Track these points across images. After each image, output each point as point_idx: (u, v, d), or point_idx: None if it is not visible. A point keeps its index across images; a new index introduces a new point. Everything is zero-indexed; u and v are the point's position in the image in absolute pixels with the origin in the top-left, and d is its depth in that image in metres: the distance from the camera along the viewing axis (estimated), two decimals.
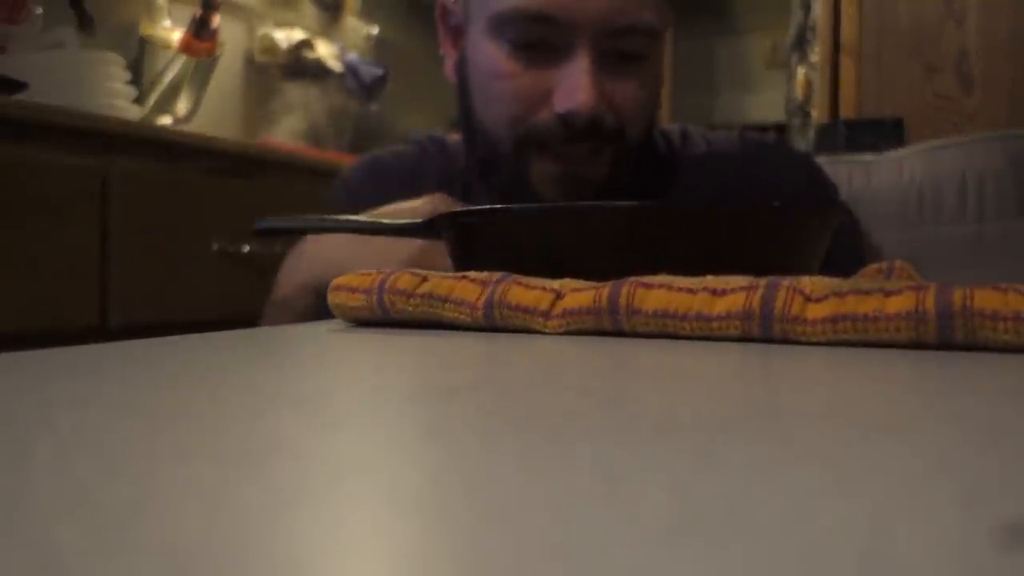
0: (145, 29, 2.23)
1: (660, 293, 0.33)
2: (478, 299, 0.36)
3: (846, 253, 0.72)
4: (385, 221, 0.48)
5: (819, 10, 2.67)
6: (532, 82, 0.66)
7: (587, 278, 0.37)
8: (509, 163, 0.68)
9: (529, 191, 0.68)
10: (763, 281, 0.32)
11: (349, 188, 0.82)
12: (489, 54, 0.68)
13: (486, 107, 0.69)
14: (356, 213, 0.56)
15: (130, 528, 0.10)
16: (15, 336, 1.34)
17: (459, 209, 0.45)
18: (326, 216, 0.55)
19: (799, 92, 3.14)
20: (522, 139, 0.67)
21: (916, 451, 0.14)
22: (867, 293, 0.30)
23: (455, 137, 0.83)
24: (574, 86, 0.64)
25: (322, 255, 0.62)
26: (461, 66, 0.72)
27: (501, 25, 0.66)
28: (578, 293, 0.35)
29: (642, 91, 0.68)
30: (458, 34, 0.73)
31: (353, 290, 0.39)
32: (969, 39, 2.34)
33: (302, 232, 0.51)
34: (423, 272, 0.39)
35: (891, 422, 0.16)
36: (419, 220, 0.47)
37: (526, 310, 0.35)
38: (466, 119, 0.72)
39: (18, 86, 1.55)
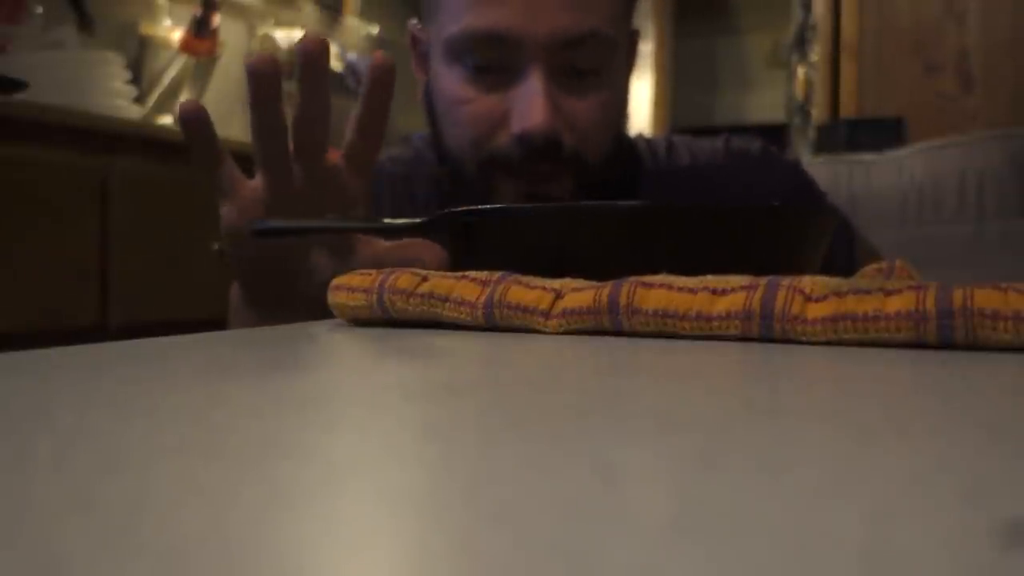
0: (145, 29, 2.23)
1: (660, 293, 0.33)
2: (478, 299, 0.36)
3: (837, 255, 0.72)
4: (384, 221, 0.48)
5: (819, 10, 2.67)
6: (490, 105, 0.66)
7: (587, 278, 0.37)
8: (475, 185, 0.68)
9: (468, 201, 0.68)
10: (763, 281, 0.32)
11: None
12: (448, 80, 0.68)
13: (450, 131, 0.70)
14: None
15: (130, 528, 0.10)
16: (15, 336, 1.34)
17: (459, 209, 0.45)
18: (326, 217, 0.55)
19: (799, 91, 3.14)
20: (485, 162, 0.67)
21: (916, 451, 0.14)
22: (867, 293, 0.30)
23: None
24: (528, 106, 0.64)
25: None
26: (427, 92, 0.73)
27: (455, 49, 0.66)
28: (578, 293, 0.35)
29: (601, 108, 0.67)
30: (426, 60, 0.74)
31: (353, 290, 0.39)
32: (969, 38, 2.34)
33: (302, 233, 0.51)
34: (423, 272, 0.39)
35: (891, 422, 0.16)
36: (419, 220, 0.47)
37: (526, 310, 0.35)
38: (436, 142, 0.73)
39: (18, 86, 1.55)
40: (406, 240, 0.53)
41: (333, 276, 0.54)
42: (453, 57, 0.67)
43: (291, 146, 0.52)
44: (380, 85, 0.53)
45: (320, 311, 0.57)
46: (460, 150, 0.69)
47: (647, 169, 0.79)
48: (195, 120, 0.51)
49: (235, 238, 0.53)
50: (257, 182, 0.53)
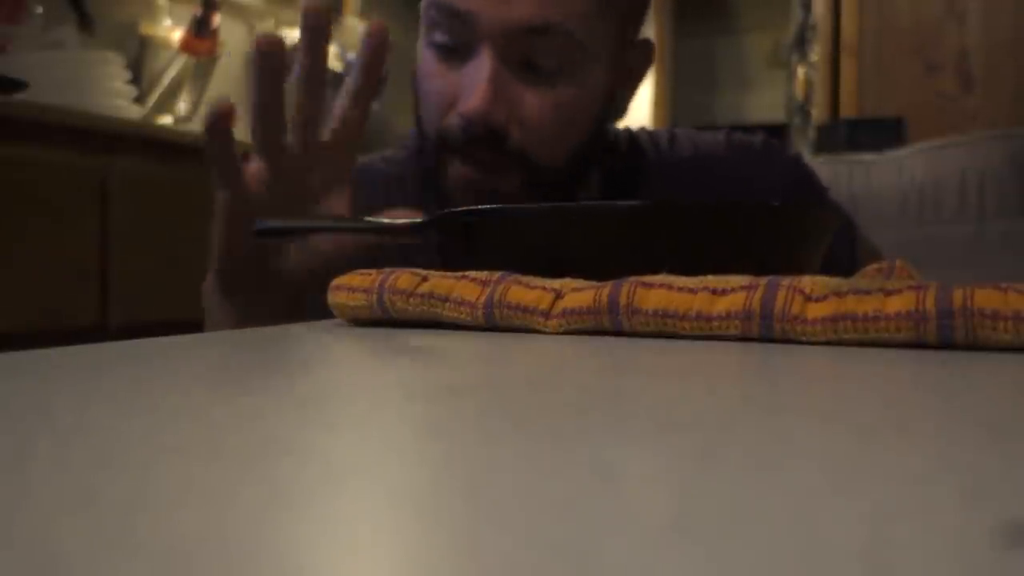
0: (145, 28, 2.23)
1: (660, 293, 0.33)
2: (478, 299, 0.36)
3: (839, 254, 0.72)
4: (384, 221, 0.48)
5: (819, 9, 2.67)
6: (447, 84, 0.65)
7: (587, 278, 0.37)
8: (431, 160, 0.68)
9: (444, 194, 0.67)
10: (763, 281, 0.32)
11: None
12: (423, 54, 0.68)
13: (421, 105, 0.70)
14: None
15: (130, 527, 0.10)
16: (15, 336, 1.34)
17: (458, 209, 0.45)
18: (326, 216, 0.55)
19: (799, 91, 3.14)
20: (438, 139, 0.66)
21: (916, 451, 0.14)
22: (867, 293, 0.30)
23: None
24: (472, 89, 0.63)
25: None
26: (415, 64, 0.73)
27: (428, 20, 0.66)
28: (578, 293, 0.35)
29: (557, 108, 0.65)
30: None
31: (353, 290, 0.39)
32: (970, 38, 2.34)
33: (302, 233, 0.51)
34: (423, 272, 0.39)
35: (891, 422, 0.16)
36: (418, 220, 0.47)
37: (526, 309, 0.36)
38: (415, 114, 0.73)
39: (18, 86, 1.55)
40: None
41: (309, 260, 0.55)
42: (426, 29, 0.67)
43: (288, 127, 0.53)
44: (374, 52, 0.54)
45: (295, 303, 0.57)
46: (424, 125, 0.69)
47: (650, 161, 0.79)
48: (225, 122, 0.52)
49: (232, 223, 0.54)
50: (255, 167, 0.54)
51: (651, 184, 0.77)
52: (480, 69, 0.63)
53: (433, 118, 0.67)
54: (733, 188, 0.76)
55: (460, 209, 0.45)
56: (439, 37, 0.65)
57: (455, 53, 0.65)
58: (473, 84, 0.63)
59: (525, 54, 0.64)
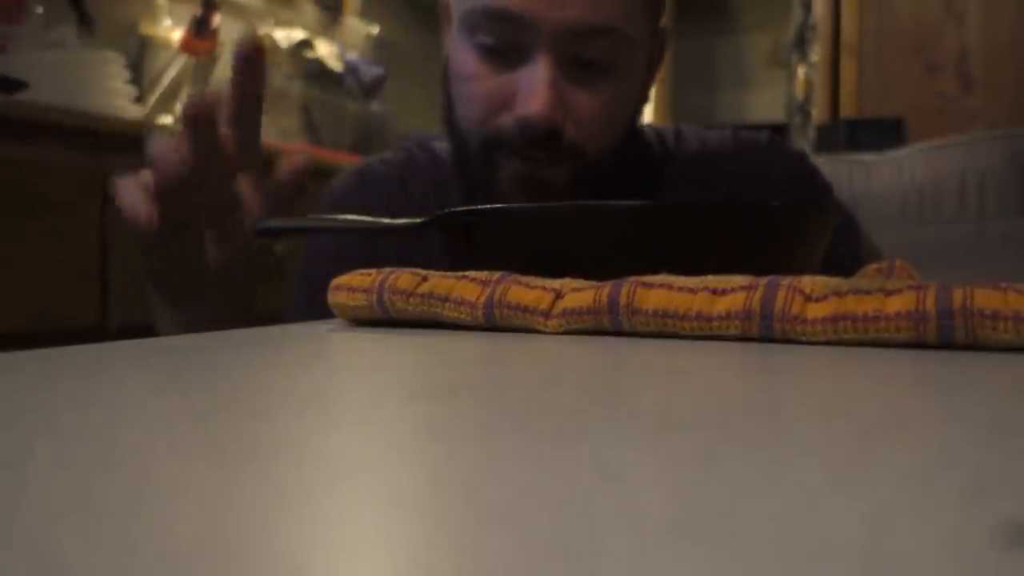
0: (145, 28, 2.23)
1: (660, 293, 0.33)
2: (478, 298, 0.36)
3: (843, 252, 0.72)
4: (384, 220, 0.48)
5: (819, 9, 2.67)
6: (497, 86, 0.66)
7: (587, 277, 0.37)
8: (475, 163, 0.68)
9: (495, 190, 0.68)
10: (763, 281, 0.32)
11: (334, 198, 0.82)
12: (461, 55, 0.68)
13: (459, 107, 0.70)
14: None
15: (130, 528, 0.10)
16: (15, 336, 1.34)
17: (458, 209, 0.45)
18: (327, 216, 0.55)
19: (799, 91, 3.14)
20: (487, 141, 0.67)
21: (916, 451, 0.14)
22: (867, 293, 0.30)
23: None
24: (531, 92, 0.63)
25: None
26: (445, 64, 0.73)
27: (470, 24, 0.66)
28: (578, 293, 0.35)
29: (608, 105, 0.67)
30: (449, 27, 0.74)
31: (353, 289, 0.39)
32: (969, 38, 2.34)
33: (303, 232, 0.51)
34: (423, 272, 0.39)
35: (891, 422, 0.16)
36: (418, 220, 0.47)
37: (526, 309, 0.36)
38: (446, 111, 0.72)
39: (18, 86, 1.55)
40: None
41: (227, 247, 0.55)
42: (468, 32, 0.67)
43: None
44: (244, 72, 0.54)
45: (234, 303, 0.58)
46: (466, 125, 0.69)
47: (656, 157, 0.79)
48: (207, 115, 0.51)
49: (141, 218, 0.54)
50: (179, 154, 0.53)
51: (657, 180, 0.77)
52: (537, 72, 0.63)
53: (477, 119, 0.67)
54: (739, 184, 0.77)
55: (460, 209, 0.45)
56: (484, 39, 0.65)
57: (502, 54, 0.65)
58: (532, 87, 0.63)
59: (578, 54, 0.64)
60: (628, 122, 0.71)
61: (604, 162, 0.68)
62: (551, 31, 0.63)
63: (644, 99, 0.74)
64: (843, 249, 0.72)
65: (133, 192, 0.55)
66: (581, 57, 0.64)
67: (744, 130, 0.84)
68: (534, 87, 0.63)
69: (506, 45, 0.65)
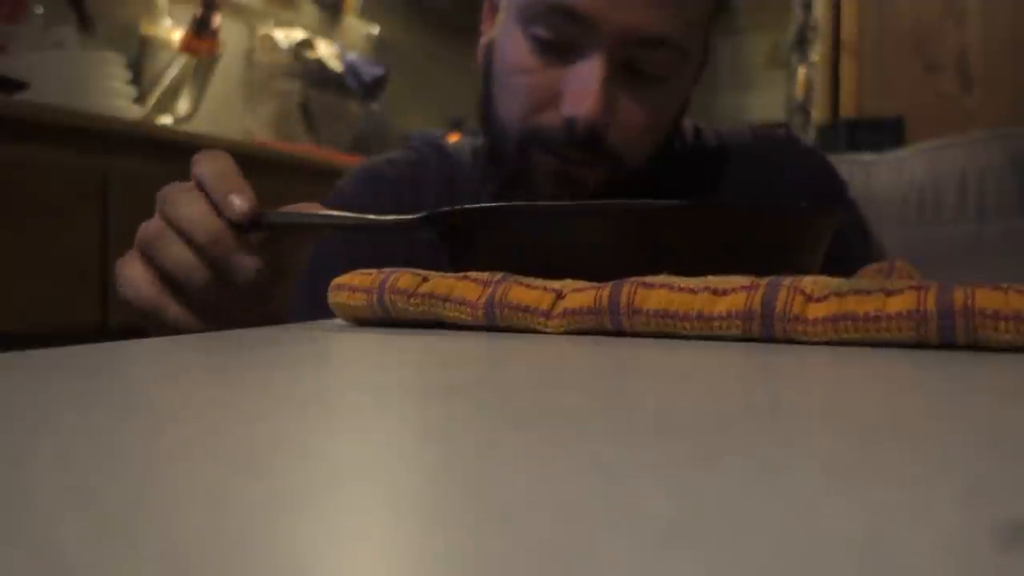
0: (145, 28, 2.23)
1: (661, 293, 0.33)
2: (479, 299, 0.36)
3: (854, 250, 0.72)
4: (384, 218, 0.48)
5: (819, 9, 2.67)
6: (546, 81, 0.65)
7: (588, 278, 0.37)
8: (513, 154, 0.68)
9: (529, 184, 0.68)
10: (764, 281, 0.32)
11: (343, 198, 0.81)
12: (512, 44, 0.67)
13: (501, 96, 0.69)
14: None
15: (131, 528, 0.10)
16: (15, 336, 1.34)
17: (458, 208, 0.45)
18: (325, 212, 0.55)
19: (799, 91, 3.14)
20: (528, 134, 0.66)
21: (916, 451, 0.14)
22: (868, 293, 0.30)
23: (453, 139, 0.82)
24: (582, 92, 0.63)
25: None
26: (489, 47, 0.72)
27: (527, 15, 0.65)
28: (579, 293, 0.35)
29: (653, 114, 0.67)
30: (494, 14, 0.73)
31: (353, 290, 0.39)
32: (969, 38, 2.34)
33: (301, 228, 0.51)
34: (423, 272, 0.39)
35: (891, 422, 0.16)
36: (416, 216, 0.47)
37: (527, 310, 0.36)
38: (484, 100, 0.72)
39: (18, 86, 1.55)
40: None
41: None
42: (524, 23, 0.66)
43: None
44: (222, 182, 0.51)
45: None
46: (507, 117, 0.68)
47: (675, 151, 0.79)
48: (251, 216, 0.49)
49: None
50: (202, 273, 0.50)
51: (677, 174, 0.77)
52: (592, 72, 0.63)
53: (520, 110, 0.67)
54: (757, 178, 0.77)
55: (460, 208, 0.45)
56: (542, 32, 0.64)
57: (557, 50, 0.65)
58: (584, 87, 0.63)
59: (633, 60, 0.64)
60: (668, 130, 0.71)
61: (640, 169, 0.68)
62: (611, 32, 0.62)
63: (685, 108, 0.74)
64: (855, 249, 0.72)
65: (139, 280, 0.53)
66: (634, 64, 0.64)
67: (761, 127, 0.84)
68: (586, 87, 0.63)
69: (562, 41, 0.64)
